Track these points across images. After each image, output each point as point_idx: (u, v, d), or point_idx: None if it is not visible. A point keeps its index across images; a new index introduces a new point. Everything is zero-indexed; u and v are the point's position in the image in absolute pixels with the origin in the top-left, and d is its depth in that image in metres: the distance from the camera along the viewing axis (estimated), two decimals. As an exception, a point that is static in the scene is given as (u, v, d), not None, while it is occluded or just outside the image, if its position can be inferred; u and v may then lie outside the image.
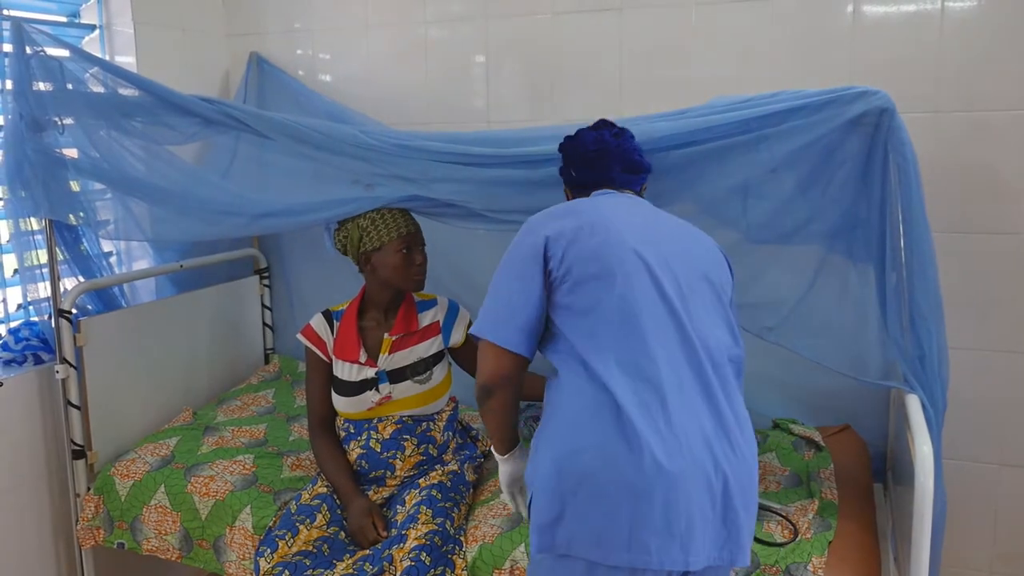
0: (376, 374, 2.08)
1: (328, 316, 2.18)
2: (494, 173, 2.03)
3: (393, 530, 1.91)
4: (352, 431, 2.11)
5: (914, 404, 1.77)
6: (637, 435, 1.35)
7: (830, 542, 1.77)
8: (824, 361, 1.98)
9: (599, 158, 1.72)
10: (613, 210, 1.58)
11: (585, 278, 1.47)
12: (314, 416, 2.18)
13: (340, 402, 2.12)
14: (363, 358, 2.09)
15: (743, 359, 1.57)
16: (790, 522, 1.83)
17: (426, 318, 2.17)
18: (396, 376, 2.09)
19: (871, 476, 2.21)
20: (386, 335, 2.11)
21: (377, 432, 2.08)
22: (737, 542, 1.41)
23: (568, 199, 1.80)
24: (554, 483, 1.41)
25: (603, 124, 1.80)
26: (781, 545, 1.76)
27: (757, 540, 1.77)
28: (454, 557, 1.83)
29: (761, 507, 1.87)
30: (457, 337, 2.18)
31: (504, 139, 2.05)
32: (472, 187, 2.06)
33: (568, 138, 1.80)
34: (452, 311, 2.20)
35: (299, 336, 2.17)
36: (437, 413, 2.16)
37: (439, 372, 2.14)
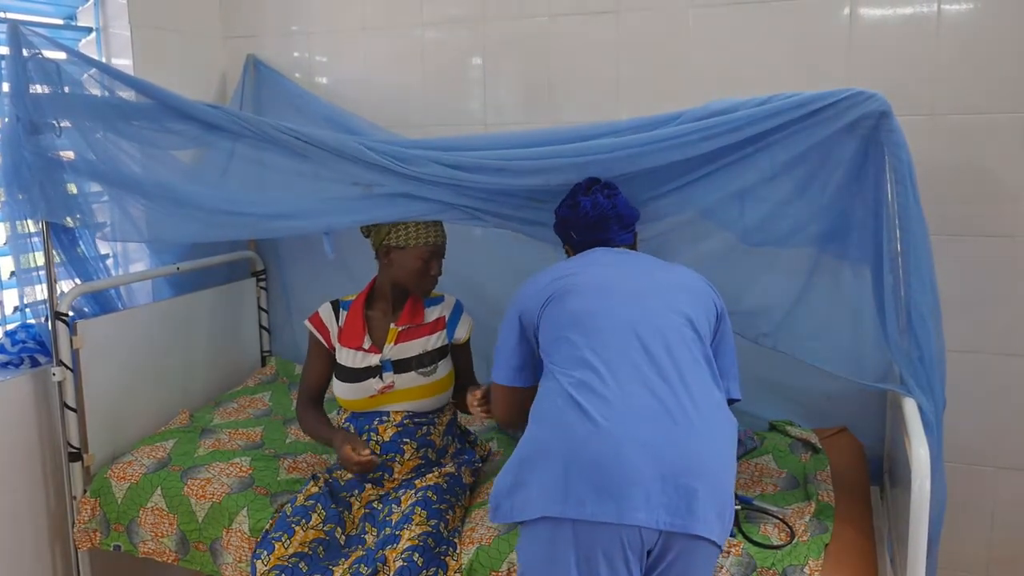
0: (380, 362, 2.10)
1: (336, 305, 2.21)
2: (497, 190, 2.10)
3: (388, 530, 1.91)
4: (352, 431, 2.12)
5: (911, 407, 1.77)
6: (581, 409, 1.52)
7: (826, 545, 1.77)
8: (821, 364, 1.99)
9: (600, 222, 1.88)
10: (596, 263, 1.79)
11: (554, 302, 1.70)
12: (304, 391, 2.23)
13: (342, 388, 2.13)
14: (367, 344, 2.11)
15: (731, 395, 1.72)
16: (787, 524, 1.83)
17: (432, 313, 2.19)
18: (401, 367, 2.11)
19: (868, 479, 2.21)
20: (392, 325, 2.14)
21: (377, 434, 2.09)
22: (691, 511, 1.46)
23: (568, 254, 1.98)
24: (516, 457, 1.58)
25: (594, 184, 1.92)
26: (778, 548, 1.76)
27: (753, 542, 1.78)
28: (447, 559, 1.83)
29: (757, 509, 1.89)
30: (460, 334, 2.21)
31: (507, 157, 2.05)
32: (476, 201, 2.12)
33: (567, 207, 1.92)
34: (457, 309, 2.23)
35: (306, 323, 2.21)
36: (438, 416, 2.16)
37: (443, 367, 2.16)
